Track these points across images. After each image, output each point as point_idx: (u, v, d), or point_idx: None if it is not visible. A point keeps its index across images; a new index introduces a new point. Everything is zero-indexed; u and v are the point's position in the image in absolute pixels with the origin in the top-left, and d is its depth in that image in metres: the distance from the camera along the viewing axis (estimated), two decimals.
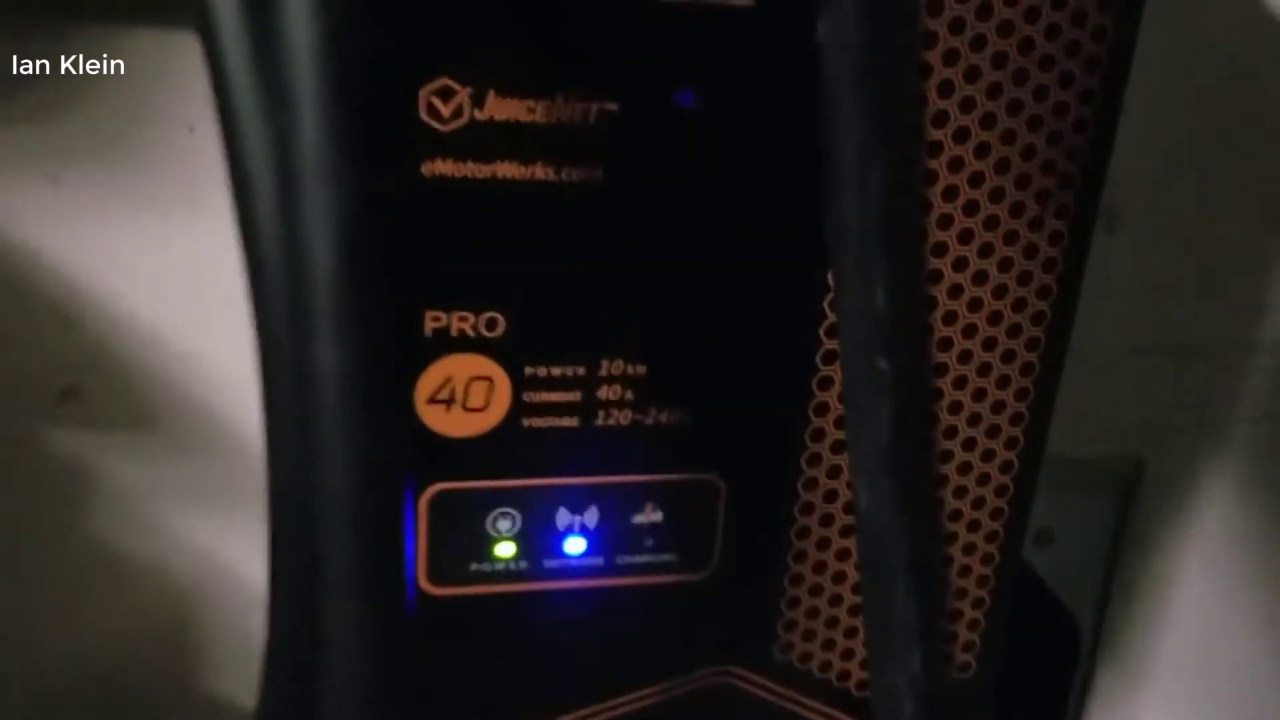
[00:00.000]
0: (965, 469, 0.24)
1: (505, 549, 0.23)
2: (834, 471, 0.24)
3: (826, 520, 0.24)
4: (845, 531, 0.24)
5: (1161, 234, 0.38)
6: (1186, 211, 0.38)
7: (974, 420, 0.24)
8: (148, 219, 0.32)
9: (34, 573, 0.35)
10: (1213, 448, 0.41)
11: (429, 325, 0.21)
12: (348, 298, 0.13)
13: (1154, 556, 0.42)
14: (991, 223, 0.22)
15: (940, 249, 0.22)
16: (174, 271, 0.33)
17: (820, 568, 0.25)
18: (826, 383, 0.23)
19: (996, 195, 0.22)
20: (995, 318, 0.23)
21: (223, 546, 0.35)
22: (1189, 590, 0.43)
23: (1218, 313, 0.39)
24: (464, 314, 0.21)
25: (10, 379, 0.33)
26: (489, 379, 0.22)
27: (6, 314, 0.32)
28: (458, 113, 0.19)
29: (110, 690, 0.36)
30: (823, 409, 0.23)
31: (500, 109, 0.20)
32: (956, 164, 0.22)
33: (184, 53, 0.31)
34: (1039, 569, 0.38)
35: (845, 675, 0.26)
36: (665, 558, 0.24)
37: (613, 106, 0.20)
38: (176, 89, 0.31)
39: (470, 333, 0.21)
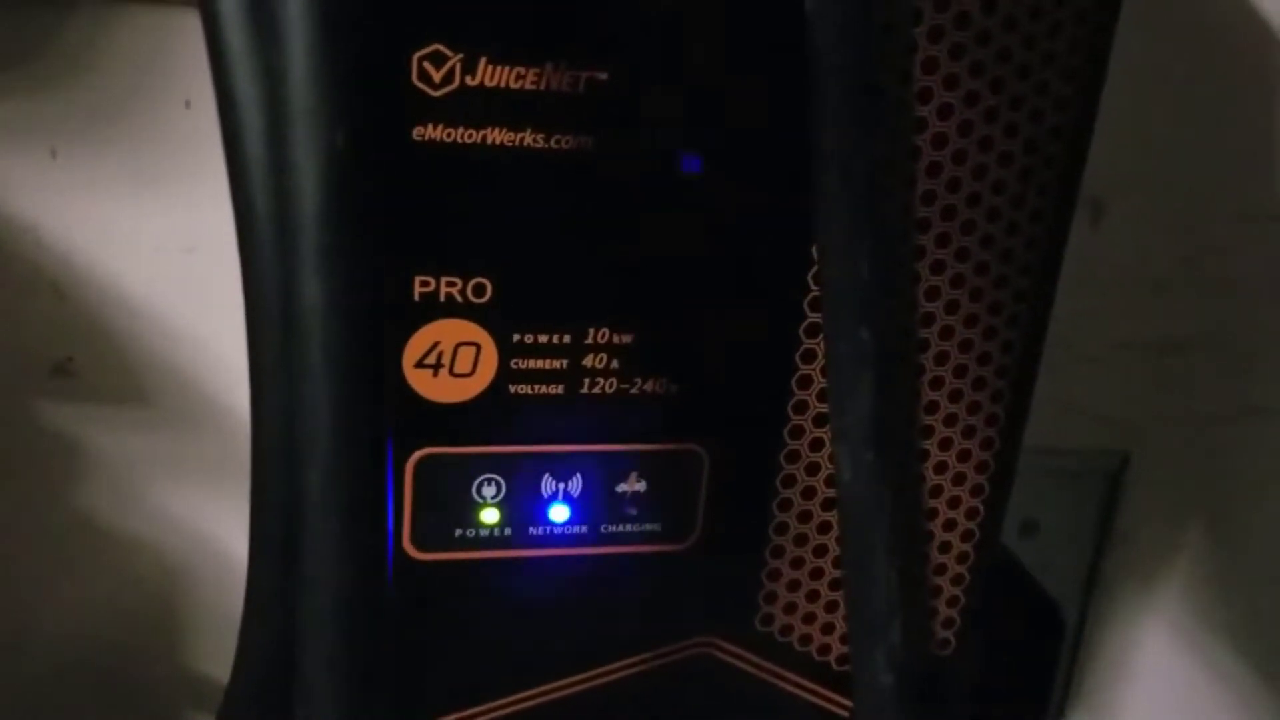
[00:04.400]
0: (946, 444, 0.25)
1: (490, 515, 0.23)
2: (816, 444, 0.24)
3: (808, 493, 0.24)
4: (827, 504, 0.25)
5: (1147, 228, 0.38)
6: (1172, 206, 0.38)
7: (955, 396, 0.24)
8: (144, 193, 0.32)
9: (22, 546, 0.35)
10: (1198, 442, 0.41)
11: (417, 290, 0.21)
12: (334, 231, 0.13)
13: (1138, 549, 0.42)
14: (973, 200, 0.23)
15: (924, 224, 0.23)
16: (169, 246, 0.33)
17: (802, 540, 0.25)
18: (810, 355, 0.23)
19: (980, 171, 0.23)
20: (977, 294, 0.24)
21: (212, 524, 0.36)
22: (1172, 583, 0.43)
23: (1203, 307, 0.40)
24: (452, 279, 0.21)
25: (4, 351, 0.33)
26: (476, 344, 0.22)
27: (2, 286, 0.32)
28: (449, 78, 0.20)
29: (96, 665, 0.36)
30: (806, 381, 0.24)
31: (491, 75, 0.20)
32: (940, 140, 0.22)
33: (181, 28, 0.31)
34: (1024, 560, 0.38)
35: (826, 649, 0.26)
36: (648, 527, 0.24)
37: (603, 76, 0.21)
38: (173, 64, 0.31)
39: (458, 298, 0.21)
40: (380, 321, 0.15)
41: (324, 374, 0.14)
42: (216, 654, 0.37)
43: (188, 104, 0.32)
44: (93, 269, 0.33)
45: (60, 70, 0.31)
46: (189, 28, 0.31)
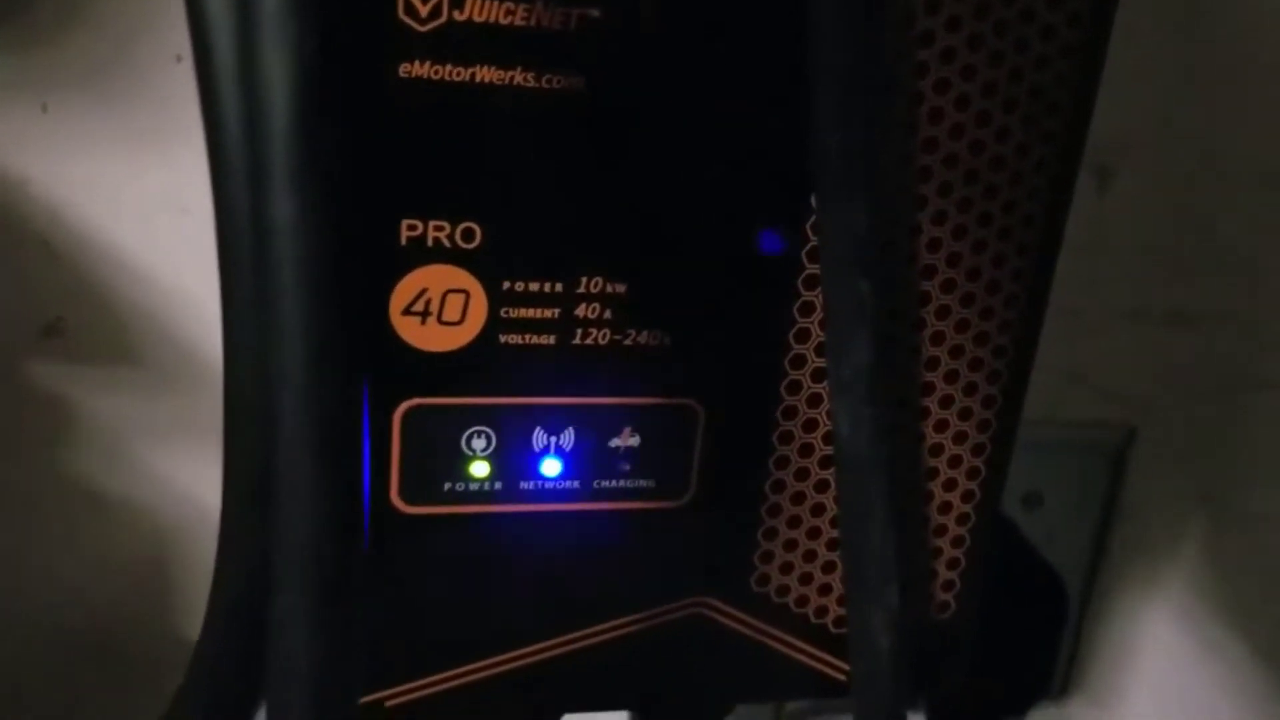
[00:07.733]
0: (947, 401, 0.24)
1: (480, 468, 0.23)
2: (814, 400, 0.24)
3: (806, 450, 0.24)
4: (825, 462, 0.24)
5: (1156, 196, 0.38)
6: (1182, 173, 0.38)
7: (957, 351, 0.24)
8: (135, 150, 0.32)
9: (11, 508, 0.35)
10: (1206, 417, 0.41)
11: (405, 234, 0.21)
12: (302, 147, 0.13)
13: (1143, 524, 0.42)
14: (977, 148, 0.22)
15: (925, 172, 0.22)
16: (160, 204, 0.32)
17: (799, 498, 0.24)
18: (808, 308, 0.23)
19: (983, 118, 0.22)
20: (980, 246, 0.23)
21: (204, 486, 0.35)
22: (1177, 559, 0.42)
23: (1213, 278, 0.39)
24: (440, 223, 0.21)
25: None
26: (465, 292, 0.21)
27: None
28: (436, 12, 0.19)
29: (87, 627, 0.36)
30: (803, 335, 0.23)
31: (479, 10, 0.19)
32: (943, 86, 0.22)
33: None
34: (1028, 532, 0.38)
35: (823, 611, 0.25)
36: (642, 483, 0.23)
37: (595, 12, 0.20)
38: (164, 19, 0.31)
39: (446, 243, 0.21)
40: (349, 242, 0.15)
41: (293, 298, 0.14)
42: None
43: (179, 59, 0.31)
44: (83, 226, 0.32)
45: (52, 24, 0.31)
46: None
